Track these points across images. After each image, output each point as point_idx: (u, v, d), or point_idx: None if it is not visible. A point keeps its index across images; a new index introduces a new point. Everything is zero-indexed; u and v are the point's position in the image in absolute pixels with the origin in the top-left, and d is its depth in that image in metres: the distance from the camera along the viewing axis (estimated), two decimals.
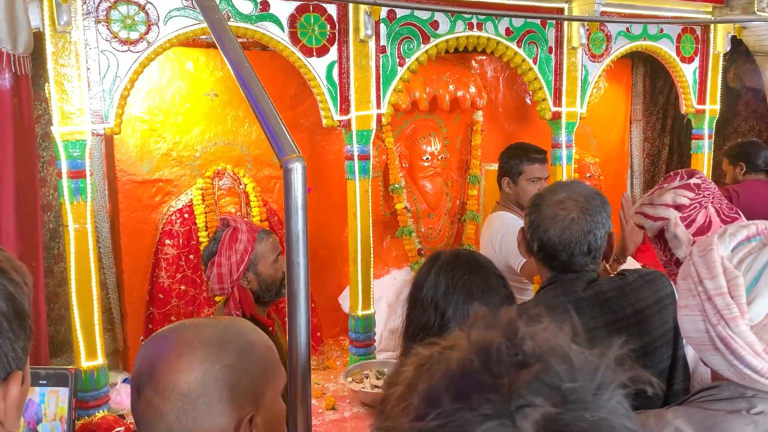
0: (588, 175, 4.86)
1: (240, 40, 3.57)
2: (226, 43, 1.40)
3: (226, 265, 2.11)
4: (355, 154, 3.38)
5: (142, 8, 2.82)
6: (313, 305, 3.79)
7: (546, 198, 1.77)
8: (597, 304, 1.71)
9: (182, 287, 3.38)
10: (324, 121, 3.34)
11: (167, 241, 3.36)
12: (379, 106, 3.42)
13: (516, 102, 4.66)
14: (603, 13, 3.90)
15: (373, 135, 3.41)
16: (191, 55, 3.45)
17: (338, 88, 3.31)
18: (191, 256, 3.41)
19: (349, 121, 3.34)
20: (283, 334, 2.39)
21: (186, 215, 3.41)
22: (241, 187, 3.56)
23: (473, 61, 4.39)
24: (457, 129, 4.38)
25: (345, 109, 3.34)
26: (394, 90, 3.46)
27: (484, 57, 4.40)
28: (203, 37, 3.37)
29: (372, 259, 3.49)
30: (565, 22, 3.90)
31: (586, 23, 3.88)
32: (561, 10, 3.89)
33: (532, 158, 3.06)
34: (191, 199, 3.43)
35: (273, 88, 3.72)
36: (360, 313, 3.50)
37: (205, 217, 3.43)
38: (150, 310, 3.37)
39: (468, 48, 3.70)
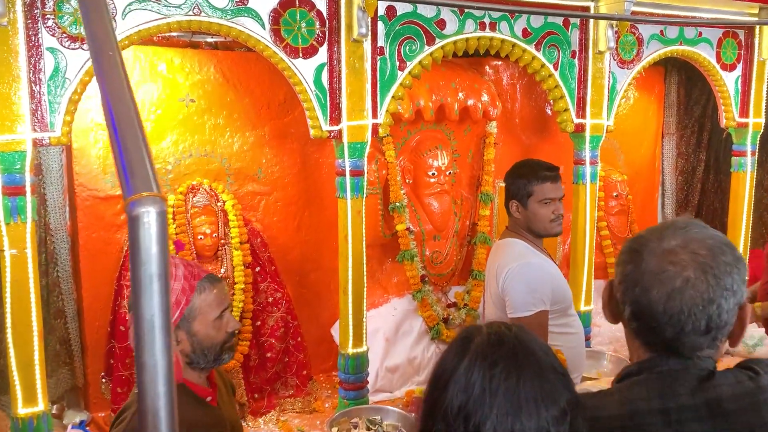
0: (614, 194, 4.41)
1: (215, 38, 3.19)
2: (93, 26, 0.98)
3: None
4: (347, 169, 2.95)
5: None
6: (299, 339, 3.36)
7: (649, 243, 1.21)
8: (710, 417, 1.17)
9: None
10: (311, 132, 2.92)
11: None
12: (375, 115, 3.00)
13: (535, 112, 4.20)
14: (634, 14, 3.43)
15: (367, 148, 2.98)
16: (164, 56, 3.06)
17: (328, 94, 2.89)
18: None
19: (340, 131, 2.92)
20: (233, 399, 1.95)
21: None
22: (218, 204, 3.16)
23: (487, 67, 3.96)
24: (468, 141, 3.94)
25: (336, 118, 2.92)
26: (393, 97, 3.03)
27: (500, 62, 3.96)
28: (174, 34, 2.99)
29: (365, 290, 3.05)
30: (591, 24, 3.45)
31: (614, 24, 3.42)
32: (586, 9, 3.43)
33: (542, 176, 2.58)
34: None
35: (259, 93, 3.33)
36: (350, 350, 3.06)
37: (176, 238, 3.02)
38: (111, 342, 2.97)
39: (480, 51, 3.26)
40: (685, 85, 4.78)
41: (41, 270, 3.01)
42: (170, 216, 3.03)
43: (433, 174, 3.67)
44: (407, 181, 3.71)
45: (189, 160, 3.17)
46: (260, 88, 3.29)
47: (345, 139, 2.92)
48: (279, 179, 3.42)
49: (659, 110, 4.79)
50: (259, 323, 3.25)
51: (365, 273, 3.05)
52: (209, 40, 3.21)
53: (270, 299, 3.26)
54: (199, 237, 3.07)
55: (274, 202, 3.42)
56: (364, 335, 3.10)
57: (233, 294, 3.14)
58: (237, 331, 1.77)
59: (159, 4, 2.52)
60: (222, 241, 3.14)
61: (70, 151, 2.94)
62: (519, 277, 2.43)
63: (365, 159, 2.99)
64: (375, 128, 3.01)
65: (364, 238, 3.03)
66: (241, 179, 3.32)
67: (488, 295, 2.67)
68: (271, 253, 3.38)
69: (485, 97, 3.69)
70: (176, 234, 3.02)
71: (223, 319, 1.69)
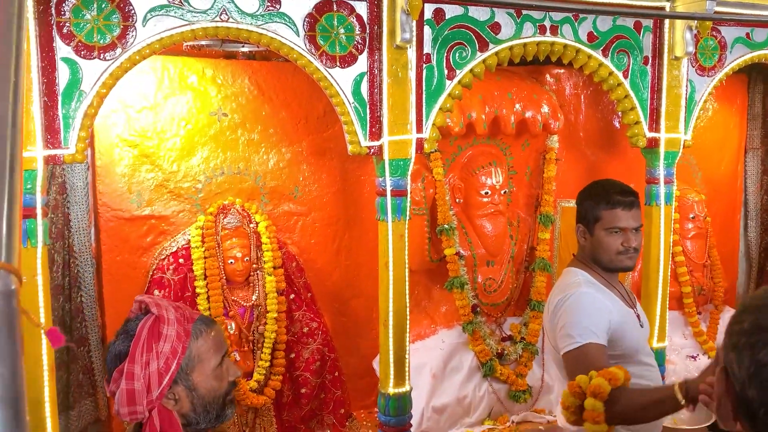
0: (691, 216, 3.97)
1: (250, 48, 2.97)
2: None
3: (142, 376, 1.38)
4: (388, 188, 2.67)
5: (116, 5, 2.23)
6: (337, 373, 3.08)
7: None
8: None
9: None
10: (349, 148, 2.65)
11: (156, 292, 2.75)
12: (420, 129, 2.71)
13: (601, 125, 3.82)
14: (717, 15, 3.03)
15: (411, 165, 2.69)
16: (194, 67, 2.86)
17: (368, 106, 2.62)
18: None
19: (380, 147, 2.64)
20: None
21: (181, 260, 2.80)
22: (251, 226, 2.92)
23: (547, 75, 3.61)
24: (526, 157, 3.59)
25: (376, 132, 2.64)
26: (440, 109, 2.73)
27: (562, 70, 3.61)
28: (203, 43, 2.78)
29: (408, 323, 2.75)
30: (666, 26, 3.07)
31: (693, 27, 3.03)
32: (661, 9, 3.06)
33: (614, 201, 2.25)
34: (189, 240, 2.81)
35: (296, 106, 3.09)
36: (391, 390, 2.75)
37: (204, 263, 2.80)
38: None
39: (539, 58, 2.93)
40: None
41: (64, 295, 2.85)
42: (198, 239, 2.82)
43: (486, 193, 3.34)
44: (457, 200, 3.39)
45: (221, 178, 2.95)
46: (298, 100, 3.05)
47: (386, 156, 2.64)
48: (317, 198, 3.17)
49: (742, 123, 4.32)
50: (293, 356, 2.99)
51: (408, 303, 2.75)
52: (244, 50, 3.00)
53: (305, 329, 2.99)
54: (229, 261, 2.84)
55: (312, 223, 3.17)
56: (407, 373, 2.79)
57: (265, 323, 2.89)
58: (237, 380, 1.51)
59: (183, 9, 2.31)
60: (254, 265, 2.90)
61: (93, 169, 2.76)
62: (566, 308, 2.11)
63: (408, 178, 2.70)
64: (420, 144, 2.72)
65: (407, 266, 2.73)
66: (277, 198, 3.08)
67: (548, 339, 2.33)
68: (308, 279, 3.12)
69: (545, 109, 3.35)
70: (204, 258, 2.79)
71: (223, 367, 1.43)
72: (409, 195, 2.72)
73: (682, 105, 3.19)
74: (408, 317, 2.76)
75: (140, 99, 2.77)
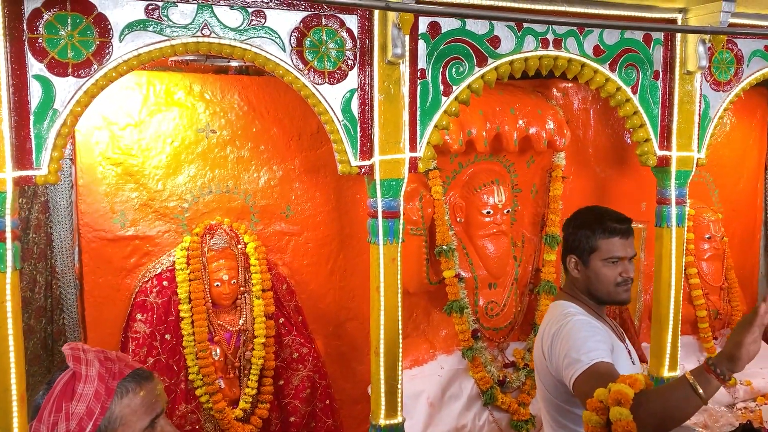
0: (707, 236, 3.78)
1: (235, 62, 2.87)
2: None
3: None
4: (380, 210, 2.54)
5: (91, 20, 2.14)
6: (328, 402, 2.95)
7: None
8: None
9: None
10: (339, 167, 2.53)
11: (138, 316, 2.66)
12: (414, 147, 2.58)
13: (611, 141, 3.66)
14: (732, 27, 2.87)
15: (404, 185, 2.56)
16: (182, 83, 2.76)
17: (359, 124, 2.50)
18: (167, 336, 2.67)
19: (371, 167, 2.52)
20: None
21: (165, 282, 2.70)
22: (239, 246, 2.81)
23: (554, 89, 3.46)
24: (531, 175, 3.45)
25: (367, 151, 2.52)
26: (436, 127, 2.60)
27: (570, 84, 3.47)
28: (189, 58, 2.68)
29: (400, 351, 2.61)
30: (678, 39, 2.91)
31: (707, 40, 2.87)
32: (672, 22, 2.90)
33: (611, 229, 2.07)
34: (173, 261, 2.71)
35: (288, 123, 2.98)
36: (383, 422, 2.62)
37: (189, 285, 2.70)
38: None
39: (542, 72, 2.79)
40: None
41: (46, 317, 2.77)
42: (183, 260, 2.71)
43: (488, 212, 3.20)
44: (458, 220, 3.25)
45: (208, 197, 2.85)
46: (290, 116, 2.94)
47: (377, 176, 2.52)
48: (310, 218, 3.05)
49: (761, 138, 4.12)
50: (282, 382, 2.87)
51: (401, 331, 2.62)
52: (235, 64, 2.90)
53: (295, 355, 2.87)
54: (215, 284, 2.73)
55: (305, 243, 3.05)
56: (399, 404, 2.65)
57: (252, 349, 2.77)
58: None
59: (162, 24, 2.21)
60: (242, 288, 2.79)
61: (76, 188, 2.67)
62: (565, 335, 1.92)
63: (401, 198, 2.57)
64: (414, 163, 2.59)
65: (399, 291, 2.60)
66: (268, 218, 2.97)
67: (538, 381, 2.17)
68: (301, 301, 3.01)
69: (550, 125, 3.20)
70: (189, 281, 2.69)
71: (156, 429, 1.30)
72: (401, 217, 2.59)
73: (695, 122, 3.03)
74: (400, 345, 2.63)
75: (124, 116, 2.68)
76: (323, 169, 3.05)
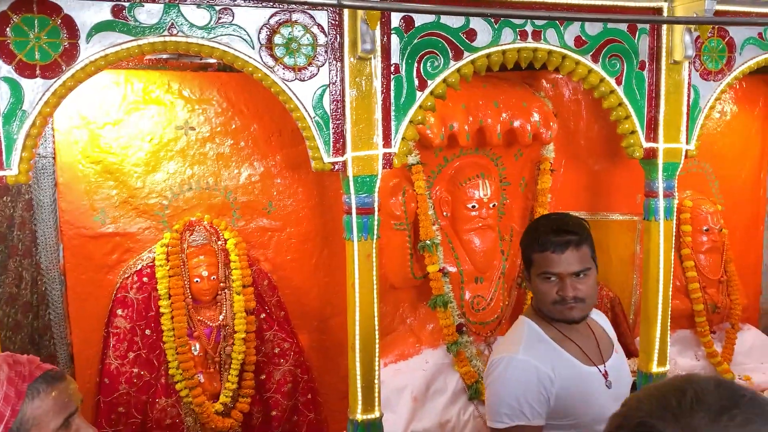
0: (705, 228, 3.70)
1: (211, 59, 2.87)
2: None
3: None
4: (353, 206, 2.54)
5: (59, 22, 2.16)
6: (310, 396, 2.97)
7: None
8: None
9: (134, 370, 2.69)
10: (312, 164, 2.54)
11: (119, 311, 2.70)
12: (388, 143, 2.57)
13: (604, 132, 3.59)
14: (718, 14, 2.78)
15: (378, 181, 2.56)
16: (160, 81, 2.78)
17: (331, 120, 2.49)
18: (147, 332, 2.71)
19: (344, 163, 2.51)
20: None
21: (146, 279, 2.74)
22: (219, 243, 2.83)
23: (544, 81, 3.41)
24: (520, 168, 3.40)
25: (340, 148, 2.51)
26: (411, 122, 2.58)
27: (560, 75, 3.40)
28: (165, 57, 2.70)
29: (377, 347, 2.62)
30: (664, 28, 2.84)
31: (694, 28, 2.79)
32: (658, 11, 2.83)
33: (543, 242, 1.88)
34: (153, 258, 2.75)
35: (269, 119, 2.99)
36: (360, 417, 2.63)
37: (169, 281, 2.73)
38: (98, 396, 2.72)
39: (521, 64, 2.75)
40: None
41: (33, 312, 2.82)
42: (163, 257, 2.74)
43: (474, 207, 3.17)
44: (444, 214, 3.23)
45: (189, 194, 2.87)
46: (270, 113, 2.94)
47: (350, 173, 2.51)
48: (292, 213, 3.06)
49: (765, 127, 4.01)
50: (263, 377, 2.90)
51: (377, 327, 2.62)
52: (213, 61, 2.90)
53: (277, 350, 2.89)
54: (195, 280, 2.76)
55: (287, 239, 3.06)
56: (377, 399, 2.66)
57: (232, 344, 2.80)
58: None
59: (129, 24, 2.22)
60: (222, 284, 2.81)
61: (57, 186, 2.71)
62: (497, 376, 1.84)
63: (376, 195, 2.56)
64: (388, 159, 2.57)
65: (375, 287, 2.60)
66: (249, 214, 2.99)
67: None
68: (284, 297, 3.02)
69: (536, 117, 3.16)
70: (169, 277, 2.72)
71: (72, 428, 1.32)
72: (376, 213, 2.58)
73: (684, 112, 2.95)
74: (377, 341, 2.63)
75: (103, 114, 2.72)
76: (305, 165, 3.03)
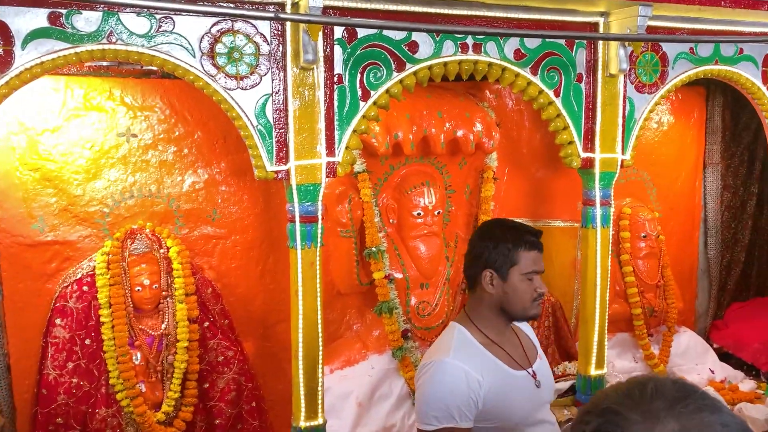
0: (642, 234, 3.83)
1: (146, 67, 2.86)
2: None
3: None
4: (297, 215, 2.56)
5: None
6: (254, 404, 2.97)
7: (633, 427, 0.90)
8: None
9: (74, 380, 2.65)
10: (255, 172, 2.55)
11: (58, 321, 2.66)
12: (332, 152, 2.59)
13: (547, 141, 3.67)
14: (652, 30, 2.90)
15: (321, 190, 2.58)
16: (101, 87, 2.76)
17: (273, 129, 2.51)
18: (87, 341, 2.68)
19: (288, 172, 2.53)
20: None
21: (85, 288, 2.70)
22: (161, 251, 2.81)
23: (487, 91, 3.49)
24: (464, 176, 3.47)
25: (283, 157, 2.53)
26: (354, 131, 2.62)
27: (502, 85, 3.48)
28: (104, 63, 2.67)
29: (320, 354, 2.64)
30: (600, 43, 2.94)
31: (627, 43, 2.90)
32: (594, 26, 2.93)
33: (530, 242, 1.96)
34: (94, 266, 2.71)
35: (213, 126, 2.98)
36: (303, 424, 2.65)
37: (109, 290, 2.70)
38: (35, 408, 2.67)
39: (462, 76, 2.81)
40: (732, 108, 4.15)
41: None
42: (104, 265, 2.71)
43: (419, 214, 3.22)
44: (391, 221, 3.28)
45: (131, 202, 2.85)
46: (215, 119, 2.94)
47: (293, 181, 2.53)
48: (238, 221, 3.06)
49: (700, 137, 4.17)
50: (207, 385, 2.89)
51: (321, 335, 2.64)
52: (154, 68, 2.89)
53: (220, 358, 2.88)
54: (136, 288, 2.73)
55: (233, 247, 3.06)
56: (320, 406, 2.68)
57: (175, 353, 2.78)
58: None
59: (66, 31, 2.20)
60: (164, 292, 2.79)
61: None
62: (427, 379, 1.88)
63: (319, 203, 2.59)
64: (332, 168, 2.60)
65: (319, 295, 2.62)
66: (193, 222, 2.98)
67: None
68: (229, 304, 3.02)
69: (478, 127, 3.23)
70: (109, 285, 2.69)
71: None
72: (320, 221, 2.60)
73: (620, 124, 3.06)
74: (320, 348, 2.65)
75: (42, 121, 2.67)
76: (250, 172, 3.00)
